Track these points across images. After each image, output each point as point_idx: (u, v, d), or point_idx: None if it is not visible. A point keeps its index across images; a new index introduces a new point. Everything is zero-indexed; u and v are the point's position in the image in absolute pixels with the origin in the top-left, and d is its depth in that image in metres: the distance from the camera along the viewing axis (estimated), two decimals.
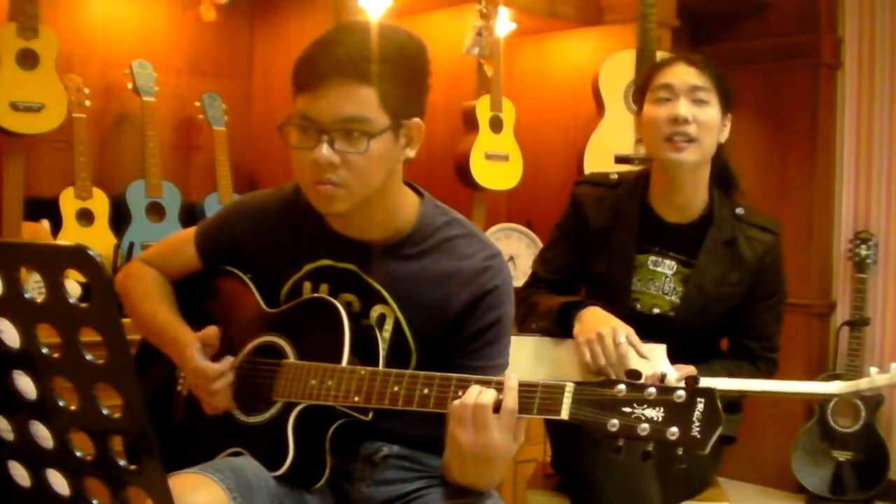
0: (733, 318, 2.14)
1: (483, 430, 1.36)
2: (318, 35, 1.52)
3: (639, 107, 2.13)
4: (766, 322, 2.17)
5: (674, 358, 1.96)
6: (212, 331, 1.61)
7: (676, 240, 2.11)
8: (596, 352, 1.91)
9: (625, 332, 1.92)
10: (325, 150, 1.46)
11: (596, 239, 2.15)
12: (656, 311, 2.10)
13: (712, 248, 2.09)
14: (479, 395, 1.37)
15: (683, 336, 2.05)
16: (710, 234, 2.09)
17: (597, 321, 1.96)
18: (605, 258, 2.14)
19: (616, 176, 2.21)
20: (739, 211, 2.13)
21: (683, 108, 2.01)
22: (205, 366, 1.58)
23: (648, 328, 1.98)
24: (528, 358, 2.00)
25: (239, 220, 1.72)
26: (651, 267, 2.12)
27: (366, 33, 1.47)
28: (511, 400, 1.36)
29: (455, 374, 1.44)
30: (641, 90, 2.12)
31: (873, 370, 1.93)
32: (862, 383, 1.93)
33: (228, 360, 1.59)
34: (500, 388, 1.38)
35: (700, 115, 2.02)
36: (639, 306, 2.11)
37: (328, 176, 1.48)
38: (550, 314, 2.04)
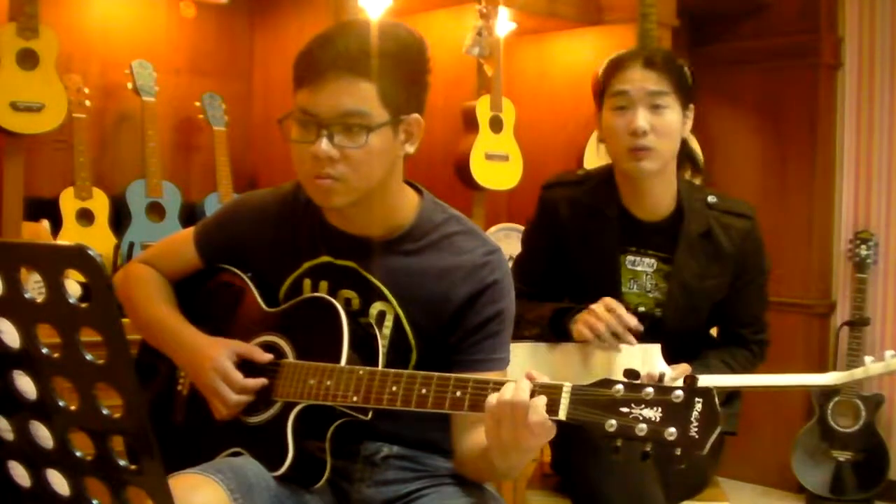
0: (721, 308, 2.13)
1: (523, 428, 1.33)
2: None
3: (598, 107, 2.09)
4: (754, 307, 2.17)
5: (667, 355, 1.96)
6: (249, 350, 1.61)
7: (652, 237, 2.09)
8: (592, 323, 1.93)
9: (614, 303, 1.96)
10: (324, 144, 1.46)
11: (575, 242, 2.13)
12: (641, 309, 2.09)
13: (688, 242, 2.06)
14: (514, 392, 1.34)
15: (674, 334, 2.05)
16: (684, 229, 2.06)
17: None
18: (587, 261, 2.12)
19: (581, 171, 2.21)
20: (712, 199, 2.09)
21: (641, 119, 1.97)
22: (236, 376, 1.56)
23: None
24: (524, 363, 1.99)
25: (239, 217, 1.73)
26: (630, 266, 2.10)
27: (366, 29, 1.49)
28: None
29: (453, 374, 1.44)
30: (601, 92, 2.08)
31: (868, 359, 1.93)
32: (857, 373, 1.93)
33: (261, 381, 1.57)
34: (497, 387, 1.37)
35: (658, 122, 1.98)
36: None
37: (327, 170, 1.48)
38: (542, 321, 2.04)
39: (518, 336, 2.07)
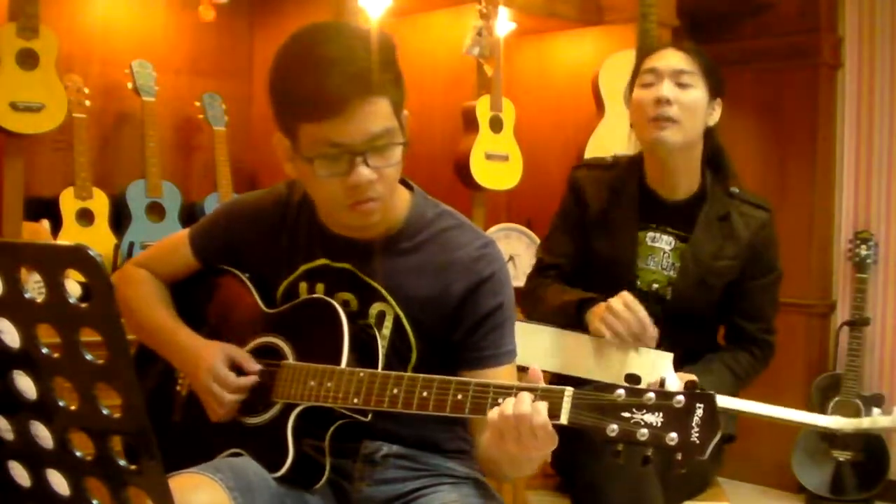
0: (730, 299, 2.15)
1: (530, 437, 1.34)
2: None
3: (630, 93, 2.16)
4: (763, 303, 2.18)
5: (672, 345, 1.97)
6: (242, 356, 1.61)
7: (673, 215, 2.13)
8: (611, 322, 1.95)
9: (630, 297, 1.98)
10: (365, 171, 1.45)
11: (596, 220, 2.17)
12: (655, 286, 2.12)
13: (706, 222, 2.11)
14: (516, 405, 1.34)
15: (682, 318, 2.06)
16: (704, 210, 2.12)
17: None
18: (606, 237, 2.16)
19: (612, 159, 2.25)
20: (734, 190, 2.16)
21: (666, 89, 2.05)
22: (230, 376, 1.57)
23: (648, 306, 1.99)
24: (543, 347, 2.01)
25: (234, 218, 1.72)
26: (649, 243, 2.14)
27: (354, 42, 1.46)
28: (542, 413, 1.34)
29: (454, 378, 1.44)
30: (633, 77, 2.16)
31: (876, 411, 1.95)
32: (864, 422, 1.93)
33: (252, 379, 1.58)
34: (507, 391, 1.37)
35: (683, 97, 2.05)
36: (638, 282, 2.12)
37: (368, 195, 1.48)
38: (564, 309, 2.05)
39: (534, 318, 2.09)
